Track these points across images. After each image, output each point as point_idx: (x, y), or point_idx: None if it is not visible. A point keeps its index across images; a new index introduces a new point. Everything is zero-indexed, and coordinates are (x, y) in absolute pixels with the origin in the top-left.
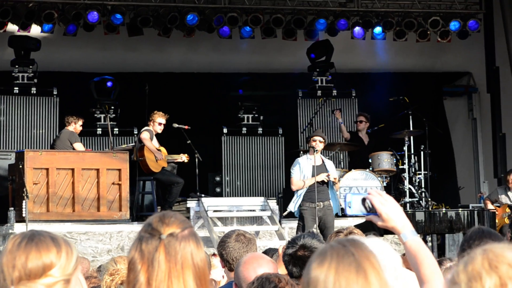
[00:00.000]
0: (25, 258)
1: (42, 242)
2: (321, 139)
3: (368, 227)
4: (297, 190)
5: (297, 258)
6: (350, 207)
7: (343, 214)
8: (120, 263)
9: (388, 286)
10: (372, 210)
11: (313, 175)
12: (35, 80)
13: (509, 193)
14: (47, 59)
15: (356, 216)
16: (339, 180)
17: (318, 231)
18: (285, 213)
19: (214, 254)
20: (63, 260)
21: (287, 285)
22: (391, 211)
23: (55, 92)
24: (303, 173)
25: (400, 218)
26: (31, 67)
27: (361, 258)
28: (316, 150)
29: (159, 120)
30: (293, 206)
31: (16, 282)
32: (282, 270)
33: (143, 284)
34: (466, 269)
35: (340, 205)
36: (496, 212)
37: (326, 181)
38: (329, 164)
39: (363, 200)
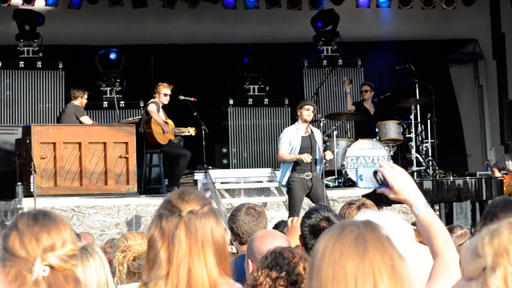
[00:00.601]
0: (48, 233)
1: (57, 218)
2: (313, 108)
3: (376, 197)
4: (284, 162)
5: (320, 230)
6: (361, 180)
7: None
8: (130, 239)
9: (396, 263)
10: (383, 183)
11: (302, 146)
12: (40, 54)
13: None
14: (52, 32)
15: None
16: (345, 150)
17: (310, 201)
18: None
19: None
20: (72, 234)
21: (300, 260)
22: (403, 184)
23: (60, 66)
24: (291, 144)
25: (412, 190)
26: (36, 41)
27: (365, 231)
28: (320, 121)
29: (164, 91)
30: (282, 178)
31: (41, 253)
32: (294, 242)
33: (164, 261)
34: (492, 242)
35: (347, 176)
36: (504, 180)
37: (309, 161)
38: (317, 134)
39: (375, 172)
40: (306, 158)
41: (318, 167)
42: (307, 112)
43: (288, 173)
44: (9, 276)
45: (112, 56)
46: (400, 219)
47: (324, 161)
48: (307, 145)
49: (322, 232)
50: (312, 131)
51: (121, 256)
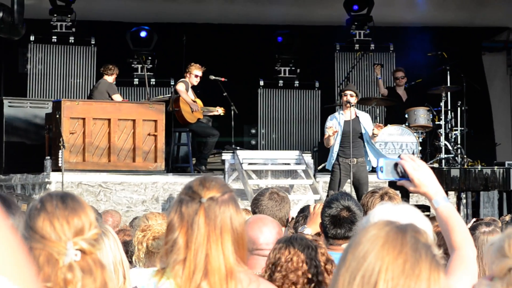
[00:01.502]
0: (78, 216)
1: (83, 201)
2: (352, 93)
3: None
4: (332, 147)
5: (341, 220)
6: (382, 171)
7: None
8: (151, 219)
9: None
10: (404, 175)
11: (345, 130)
12: (73, 29)
13: None
14: (85, 8)
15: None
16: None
17: (352, 188)
18: (319, 167)
19: (245, 210)
20: (94, 216)
21: (327, 261)
22: (424, 177)
23: (92, 42)
24: (335, 129)
25: (433, 184)
26: (69, 16)
27: (400, 231)
28: (350, 103)
29: (195, 72)
30: (328, 163)
31: (72, 237)
32: (315, 229)
33: (182, 246)
34: None
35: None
36: None
37: (331, 134)
38: (364, 117)
39: (395, 165)
40: (329, 131)
41: (368, 150)
42: (346, 97)
43: (333, 158)
44: (40, 260)
45: (143, 34)
46: (419, 212)
47: (375, 137)
48: (349, 129)
49: (360, 235)
50: (357, 116)
51: (141, 235)
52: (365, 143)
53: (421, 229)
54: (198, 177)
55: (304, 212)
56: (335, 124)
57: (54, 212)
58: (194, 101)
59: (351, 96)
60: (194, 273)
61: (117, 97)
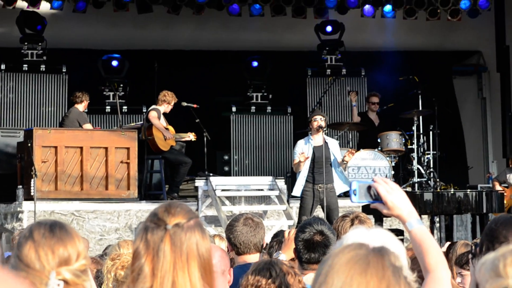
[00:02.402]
0: (64, 246)
1: (72, 231)
2: (322, 117)
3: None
4: (299, 172)
5: (315, 244)
6: (355, 195)
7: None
8: (123, 247)
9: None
10: (377, 198)
11: (314, 156)
12: (44, 58)
13: None
14: (56, 36)
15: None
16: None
17: (324, 214)
18: (292, 193)
19: (217, 236)
20: (85, 248)
21: (290, 274)
22: (397, 199)
23: (64, 70)
24: (303, 152)
25: (406, 206)
26: (40, 44)
27: (372, 254)
28: (322, 128)
29: (173, 103)
30: (297, 190)
31: (56, 267)
32: (289, 254)
33: (148, 274)
34: None
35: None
36: (505, 193)
37: (302, 160)
38: (333, 144)
39: (369, 187)
40: (300, 157)
41: (336, 176)
42: (316, 122)
43: (301, 184)
44: None
45: (114, 63)
46: (393, 236)
47: (344, 164)
48: (320, 155)
49: (336, 258)
50: (326, 142)
51: (110, 264)
52: (334, 169)
53: (393, 251)
54: (163, 204)
55: (278, 237)
56: (305, 149)
57: (40, 241)
58: (167, 128)
59: (321, 120)
60: None
61: (87, 126)
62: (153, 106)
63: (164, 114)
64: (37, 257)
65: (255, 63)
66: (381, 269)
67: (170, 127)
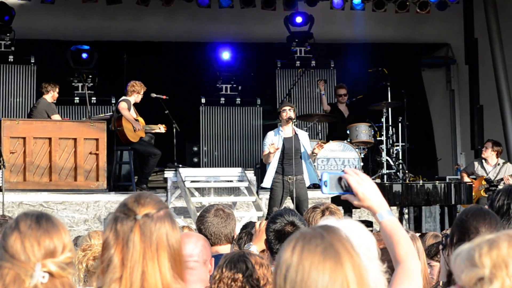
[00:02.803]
0: (50, 237)
1: (58, 223)
2: (291, 108)
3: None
4: (269, 164)
5: (286, 234)
6: (326, 186)
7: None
8: (94, 238)
9: (362, 270)
10: (348, 189)
11: (283, 148)
12: (12, 48)
13: (485, 165)
14: (24, 27)
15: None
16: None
17: (293, 205)
18: (262, 184)
19: (186, 227)
20: (71, 240)
21: (260, 266)
22: (367, 191)
23: (32, 60)
24: (273, 143)
25: (377, 197)
26: (8, 35)
27: (331, 240)
28: (291, 119)
29: (138, 91)
30: (267, 181)
31: (41, 259)
32: (260, 246)
33: (117, 264)
34: (490, 253)
35: (318, 177)
36: (473, 185)
37: (272, 152)
38: (303, 135)
39: (339, 179)
40: (270, 148)
41: (305, 168)
42: (285, 113)
43: (271, 175)
44: (6, 279)
45: (84, 55)
46: (362, 227)
47: (314, 155)
48: (290, 146)
49: (284, 245)
50: (296, 133)
51: (81, 254)
52: (303, 161)
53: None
54: (132, 194)
55: (247, 228)
56: (275, 141)
57: (27, 232)
58: (137, 120)
59: (290, 111)
60: None
61: (56, 117)
62: (123, 97)
63: (135, 104)
64: (22, 248)
65: (226, 56)
66: (351, 256)
67: (140, 119)
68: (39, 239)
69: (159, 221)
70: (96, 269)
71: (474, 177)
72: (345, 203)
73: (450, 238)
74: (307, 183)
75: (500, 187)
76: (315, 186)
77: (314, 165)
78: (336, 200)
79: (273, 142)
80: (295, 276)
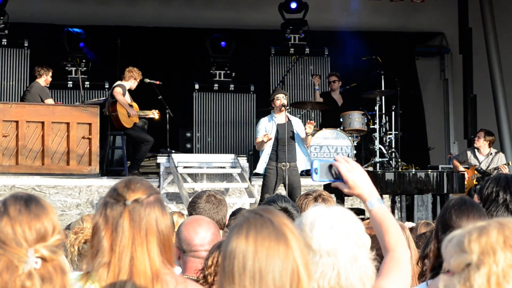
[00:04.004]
0: (41, 221)
1: (47, 205)
2: (284, 96)
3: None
4: (263, 150)
5: None
6: (316, 173)
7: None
8: (87, 221)
9: (306, 250)
10: (338, 177)
11: (277, 134)
12: (6, 32)
13: (477, 154)
14: (18, 10)
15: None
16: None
17: (286, 192)
18: (254, 171)
19: (178, 213)
20: (59, 221)
21: None
22: (358, 179)
23: (26, 44)
24: (268, 132)
25: (367, 185)
26: (1, 18)
27: (279, 225)
28: (284, 106)
29: (136, 77)
30: (260, 167)
31: (34, 244)
32: None
33: (106, 249)
34: (479, 239)
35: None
36: (465, 174)
37: (265, 140)
38: (296, 121)
39: (330, 166)
40: (264, 138)
41: (300, 153)
42: (278, 100)
43: (264, 162)
44: None
45: (81, 44)
46: (352, 214)
47: (308, 136)
48: (283, 132)
49: (234, 232)
50: (289, 119)
51: (73, 237)
52: (298, 147)
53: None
54: (123, 179)
55: (236, 215)
56: (268, 127)
57: (17, 217)
58: (131, 105)
59: (284, 98)
60: (118, 276)
61: (49, 101)
62: (119, 82)
63: (129, 91)
64: (13, 233)
65: (224, 43)
66: (298, 237)
67: (134, 104)
68: (30, 223)
69: (148, 206)
70: (87, 252)
71: (466, 166)
72: (338, 190)
73: (434, 232)
74: (304, 168)
75: None
76: (308, 173)
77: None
78: (329, 187)
79: (266, 128)
80: (253, 264)
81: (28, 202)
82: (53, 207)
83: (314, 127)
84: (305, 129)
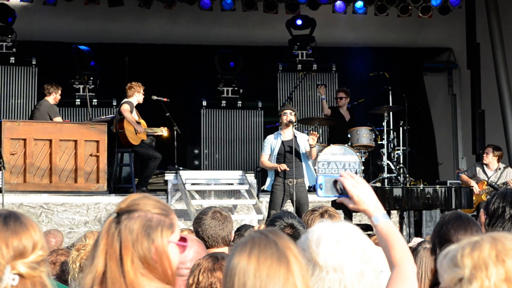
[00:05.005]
0: (18, 238)
1: (28, 221)
2: (292, 112)
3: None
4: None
5: None
6: (321, 189)
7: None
8: (90, 238)
9: (308, 275)
10: (343, 192)
11: (284, 151)
12: (14, 50)
13: (486, 170)
14: (26, 28)
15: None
16: (317, 155)
17: (293, 208)
18: (262, 188)
19: (188, 230)
20: (42, 237)
21: None
22: (363, 194)
23: (34, 62)
24: (273, 149)
25: (372, 201)
26: (10, 36)
27: (283, 248)
28: (292, 122)
29: (142, 90)
30: (267, 185)
31: (11, 261)
32: None
33: (92, 259)
34: (472, 254)
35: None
36: (475, 190)
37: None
38: (301, 137)
39: (335, 182)
40: (281, 167)
41: (305, 170)
42: (285, 116)
43: (272, 178)
44: None
45: (92, 63)
46: (358, 230)
47: (312, 147)
48: (289, 149)
49: (237, 250)
50: (295, 136)
51: (75, 254)
52: (304, 163)
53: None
54: (136, 194)
55: (241, 231)
56: (274, 145)
57: None
58: (138, 122)
59: (291, 114)
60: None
61: (58, 119)
62: (126, 99)
63: (138, 106)
64: None
65: (231, 63)
66: (299, 260)
67: (142, 121)
68: (7, 240)
69: (130, 221)
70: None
71: (475, 181)
72: (345, 206)
73: (431, 248)
74: (308, 185)
75: None
76: (315, 189)
77: (315, 168)
78: (336, 203)
79: (272, 146)
80: (253, 283)
81: (7, 219)
82: (35, 224)
83: (322, 143)
84: (308, 140)
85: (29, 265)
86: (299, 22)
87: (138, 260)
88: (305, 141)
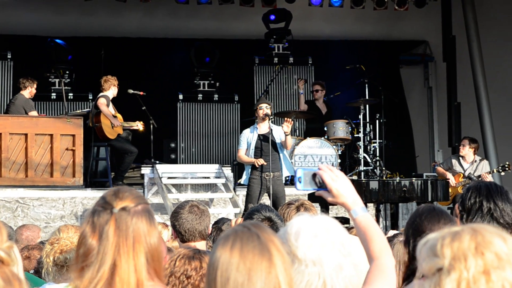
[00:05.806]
0: None
1: None
2: (267, 105)
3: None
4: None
5: None
6: (300, 182)
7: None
8: (64, 231)
9: (290, 268)
10: (322, 186)
11: (260, 144)
12: None
13: (462, 162)
14: (1, 22)
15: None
16: (293, 148)
17: (270, 201)
18: (238, 181)
19: (163, 224)
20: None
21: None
22: (342, 187)
23: (9, 56)
24: (249, 143)
25: (351, 194)
26: None
27: (265, 241)
28: (268, 116)
29: (114, 83)
30: (244, 178)
31: None
32: None
33: (92, 257)
34: (452, 244)
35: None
36: (451, 182)
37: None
38: (277, 130)
39: (314, 175)
40: (258, 162)
41: (283, 161)
42: (262, 110)
43: (249, 172)
44: None
45: (70, 57)
46: (336, 223)
47: (286, 135)
48: (267, 142)
49: (220, 244)
50: (271, 129)
51: (49, 248)
52: (280, 153)
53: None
54: (112, 188)
55: (218, 224)
56: (251, 138)
57: None
58: (115, 116)
59: (267, 108)
60: (97, 285)
61: (33, 113)
62: (102, 93)
63: (114, 99)
64: None
65: (208, 59)
66: (282, 254)
67: (119, 115)
68: None
69: (136, 215)
70: (63, 263)
71: (451, 173)
72: (322, 199)
73: (404, 240)
74: (285, 175)
75: None
76: (292, 182)
77: (292, 162)
78: (313, 196)
79: (248, 140)
80: (235, 276)
81: None
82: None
83: (298, 136)
84: (282, 127)
85: (4, 250)
86: (272, 17)
87: (146, 255)
88: (281, 133)
